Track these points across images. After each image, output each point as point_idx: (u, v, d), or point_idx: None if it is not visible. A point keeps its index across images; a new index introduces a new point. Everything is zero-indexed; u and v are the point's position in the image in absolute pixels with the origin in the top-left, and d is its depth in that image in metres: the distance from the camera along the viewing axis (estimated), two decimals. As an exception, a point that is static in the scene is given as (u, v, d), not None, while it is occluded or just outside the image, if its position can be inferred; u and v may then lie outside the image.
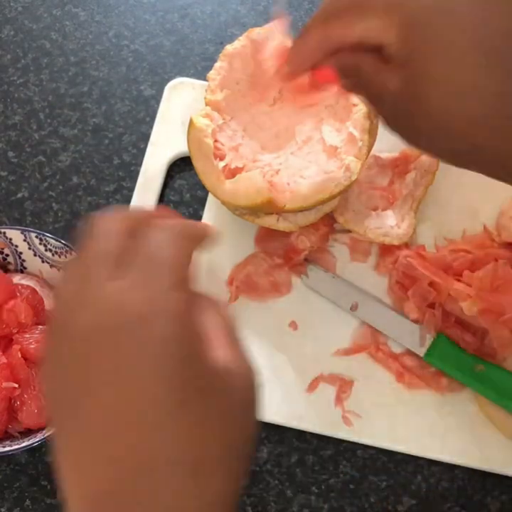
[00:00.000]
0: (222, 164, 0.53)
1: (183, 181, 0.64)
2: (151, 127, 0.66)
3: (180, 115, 0.64)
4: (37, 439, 0.50)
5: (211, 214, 0.61)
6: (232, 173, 0.54)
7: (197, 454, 0.30)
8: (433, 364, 0.56)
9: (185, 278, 0.34)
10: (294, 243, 0.58)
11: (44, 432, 0.51)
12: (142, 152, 0.65)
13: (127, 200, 0.63)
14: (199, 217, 0.61)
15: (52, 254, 0.56)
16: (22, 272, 0.58)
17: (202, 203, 0.62)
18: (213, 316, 0.35)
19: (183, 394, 0.30)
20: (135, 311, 0.31)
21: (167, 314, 0.31)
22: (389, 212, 0.58)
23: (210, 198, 0.62)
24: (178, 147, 0.63)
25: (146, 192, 0.62)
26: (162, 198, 0.63)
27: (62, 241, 0.56)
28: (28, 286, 0.56)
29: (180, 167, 0.64)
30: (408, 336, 0.56)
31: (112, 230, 0.34)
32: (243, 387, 0.33)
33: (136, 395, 0.30)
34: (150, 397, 0.30)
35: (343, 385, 0.56)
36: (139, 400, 0.30)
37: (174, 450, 0.30)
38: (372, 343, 0.57)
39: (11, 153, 0.65)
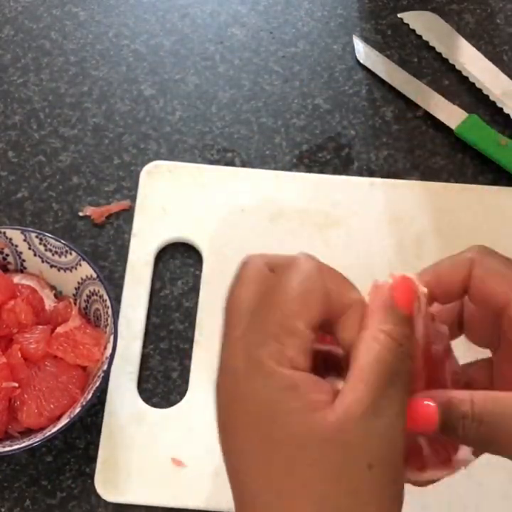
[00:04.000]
0: None
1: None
2: (152, 127, 0.66)
3: (160, 201, 0.62)
4: (37, 439, 0.50)
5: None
6: None
7: None
8: (464, 136, 0.63)
9: None
10: None
11: (44, 432, 0.51)
12: (142, 152, 0.65)
13: (127, 200, 0.63)
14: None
15: (52, 254, 0.56)
16: (22, 272, 0.58)
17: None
18: None
19: None
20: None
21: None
22: None
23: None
24: (163, 235, 0.61)
25: (136, 286, 0.59)
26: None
27: (62, 241, 0.55)
28: (28, 286, 0.56)
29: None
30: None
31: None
32: None
33: None
34: None
35: None
36: None
37: None
38: None
39: (11, 153, 0.65)
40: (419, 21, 0.70)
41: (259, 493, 0.31)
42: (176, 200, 0.62)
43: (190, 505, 0.53)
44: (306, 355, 0.31)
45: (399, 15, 0.71)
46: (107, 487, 0.53)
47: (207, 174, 0.63)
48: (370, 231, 0.61)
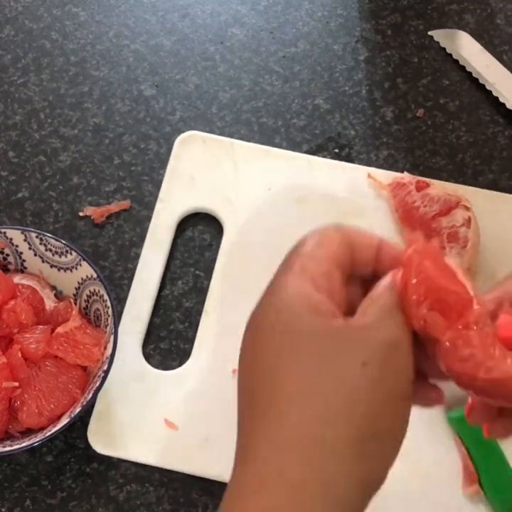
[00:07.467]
0: None
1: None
2: (152, 127, 0.66)
3: (190, 170, 0.63)
4: (37, 439, 0.50)
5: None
6: None
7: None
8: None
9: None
10: None
11: (44, 432, 0.51)
12: (142, 152, 0.65)
13: (127, 200, 0.63)
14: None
15: (53, 254, 0.56)
16: (22, 272, 0.58)
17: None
18: None
19: (363, 443, 0.32)
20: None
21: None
22: None
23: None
24: (188, 203, 0.62)
25: (155, 250, 0.60)
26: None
27: (63, 241, 0.56)
28: (28, 286, 0.56)
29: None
30: None
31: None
32: None
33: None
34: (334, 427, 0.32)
35: None
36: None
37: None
38: None
39: (11, 153, 0.65)
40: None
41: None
42: (205, 171, 0.63)
43: (177, 468, 0.54)
44: (327, 281, 0.35)
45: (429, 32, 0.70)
46: (99, 439, 0.54)
47: (240, 149, 0.64)
48: (393, 227, 0.61)
